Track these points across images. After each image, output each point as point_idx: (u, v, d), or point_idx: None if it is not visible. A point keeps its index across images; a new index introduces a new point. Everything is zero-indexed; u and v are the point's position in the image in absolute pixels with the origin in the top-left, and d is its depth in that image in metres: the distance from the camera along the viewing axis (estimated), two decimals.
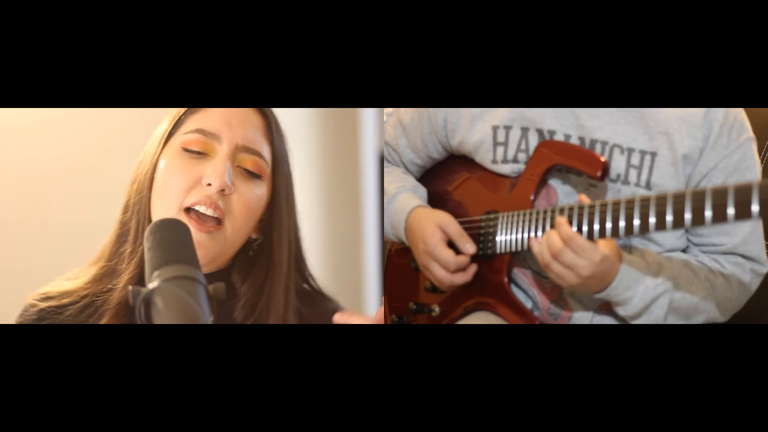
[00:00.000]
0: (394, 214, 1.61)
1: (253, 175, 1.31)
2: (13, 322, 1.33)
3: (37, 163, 1.92)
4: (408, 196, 1.61)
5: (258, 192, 1.31)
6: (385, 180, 1.68)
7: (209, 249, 1.28)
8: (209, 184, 1.26)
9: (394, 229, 1.62)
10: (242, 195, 1.29)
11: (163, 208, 1.28)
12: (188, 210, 1.27)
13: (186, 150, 1.28)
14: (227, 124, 1.30)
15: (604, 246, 1.37)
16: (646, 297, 1.42)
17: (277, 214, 1.35)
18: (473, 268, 1.52)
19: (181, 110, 1.33)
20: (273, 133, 1.35)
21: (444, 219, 1.54)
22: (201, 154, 1.28)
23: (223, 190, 1.26)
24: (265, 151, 1.33)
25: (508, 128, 1.52)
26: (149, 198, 1.30)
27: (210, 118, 1.31)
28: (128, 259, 1.29)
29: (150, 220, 1.29)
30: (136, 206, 1.30)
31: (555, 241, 1.37)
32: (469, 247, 1.51)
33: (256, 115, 1.35)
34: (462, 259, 1.51)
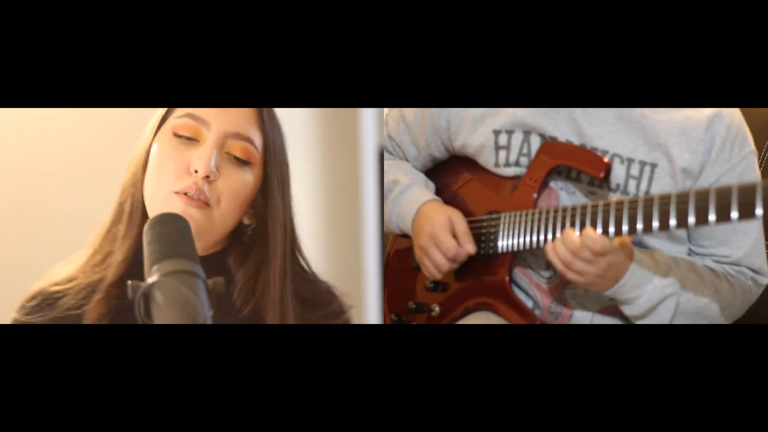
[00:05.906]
0: (406, 204, 1.61)
1: (242, 162, 1.32)
2: (14, 317, 1.33)
3: (38, 160, 1.93)
4: (423, 190, 1.62)
5: (246, 178, 1.32)
6: (394, 171, 1.67)
7: (197, 222, 1.28)
8: (196, 171, 1.28)
9: (401, 219, 1.62)
10: (228, 181, 1.30)
11: (154, 192, 1.30)
12: (177, 193, 1.29)
13: (176, 135, 1.31)
14: (217, 110, 1.32)
15: (613, 251, 1.37)
16: (654, 297, 1.42)
17: (272, 200, 1.36)
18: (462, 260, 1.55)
19: None
20: (264, 120, 1.35)
21: (456, 215, 1.56)
22: (190, 140, 1.30)
23: (208, 177, 1.28)
24: (256, 137, 1.33)
25: (510, 132, 1.53)
26: (143, 182, 1.32)
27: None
28: (121, 241, 1.32)
29: (143, 203, 1.32)
30: (131, 189, 1.33)
31: (564, 253, 1.38)
32: (471, 247, 1.52)
33: None
34: (462, 251, 1.52)
